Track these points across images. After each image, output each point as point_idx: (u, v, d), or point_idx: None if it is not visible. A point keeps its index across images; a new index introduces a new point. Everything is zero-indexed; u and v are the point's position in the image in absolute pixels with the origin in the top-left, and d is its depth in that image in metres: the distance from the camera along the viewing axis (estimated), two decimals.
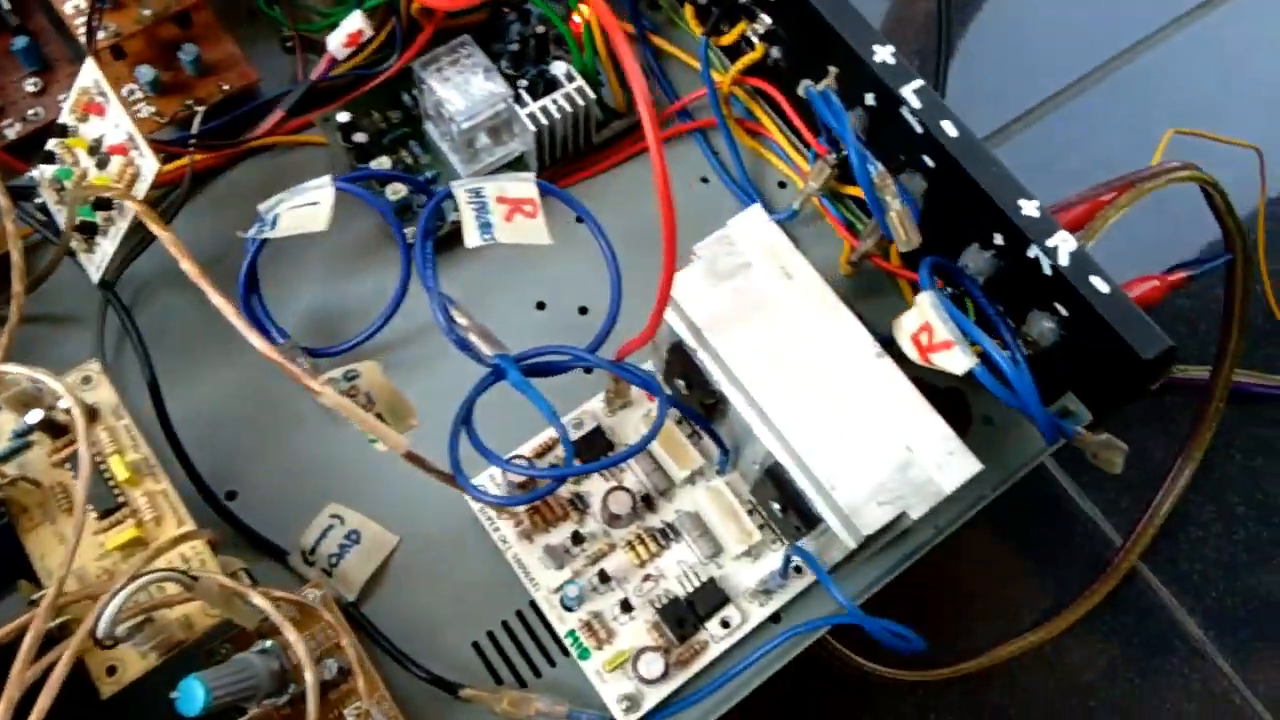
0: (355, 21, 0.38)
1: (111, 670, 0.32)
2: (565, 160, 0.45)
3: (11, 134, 0.42)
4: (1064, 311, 0.36)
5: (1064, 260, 0.35)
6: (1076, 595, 0.51)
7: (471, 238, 0.35)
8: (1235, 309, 0.44)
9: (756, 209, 0.36)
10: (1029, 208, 0.35)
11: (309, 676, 0.30)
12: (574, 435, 0.40)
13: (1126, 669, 0.51)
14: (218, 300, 0.29)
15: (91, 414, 0.34)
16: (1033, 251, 0.36)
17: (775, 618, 0.38)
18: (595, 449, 0.40)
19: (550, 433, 0.40)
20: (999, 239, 0.37)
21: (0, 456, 0.33)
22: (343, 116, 0.43)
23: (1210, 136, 0.48)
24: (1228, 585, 0.53)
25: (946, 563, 0.52)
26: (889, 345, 0.35)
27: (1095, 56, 0.64)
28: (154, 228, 0.31)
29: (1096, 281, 0.34)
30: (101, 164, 0.37)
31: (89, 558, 0.33)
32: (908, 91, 0.36)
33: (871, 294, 0.44)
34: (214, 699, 0.29)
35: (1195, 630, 0.52)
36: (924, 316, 0.34)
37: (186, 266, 0.29)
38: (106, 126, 0.37)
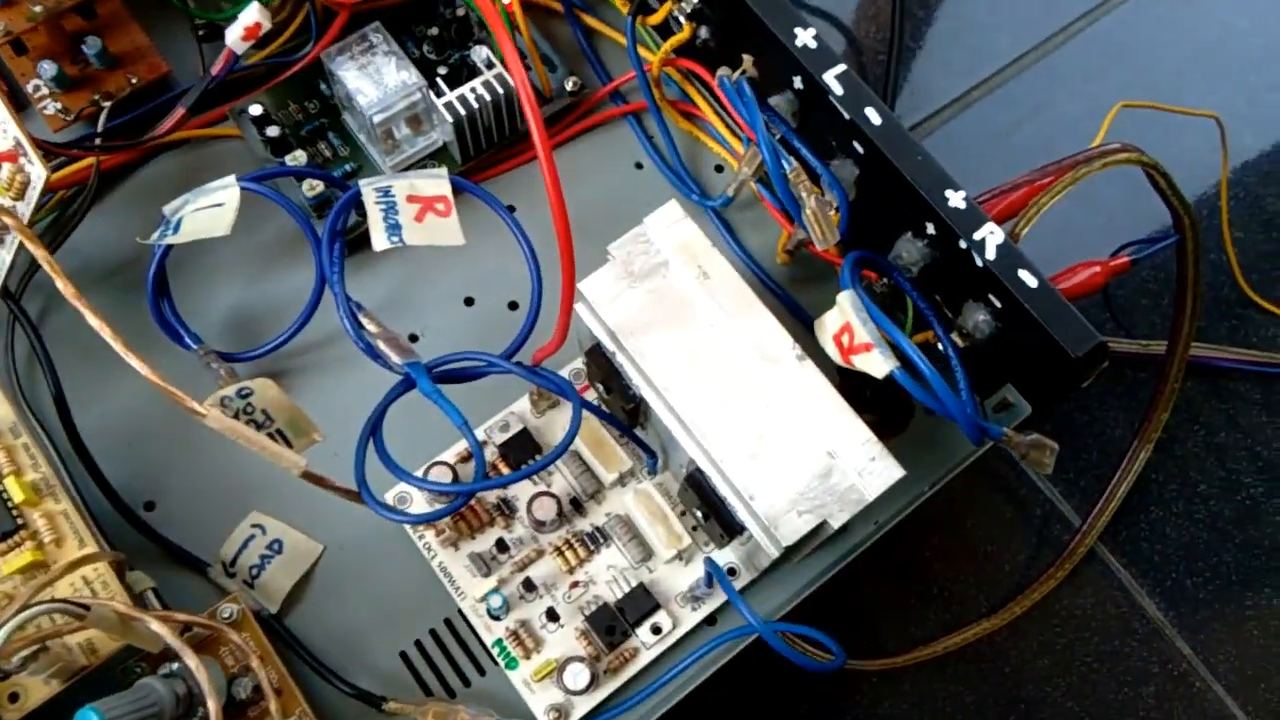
0: (252, 14, 0.36)
1: (14, 698, 0.31)
2: (491, 148, 0.43)
3: None
4: (997, 304, 0.35)
5: (991, 254, 0.33)
6: (1034, 579, 0.50)
7: (379, 240, 0.33)
8: (1188, 289, 0.42)
9: (672, 205, 0.34)
10: (955, 199, 0.34)
11: (211, 705, 0.30)
12: (500, 438, 0.39)
13: (1084, 652, 0.50)
14: (95, 322, 0.28)
15: None
16: (963, 243, 0.34)
17: (710, 620, 0.38)
18: (523, 451, 0.39)
19: (480, 433, 0.39)
20: (930, 228, 0.36)
21: None
22: (254, 109, 0.41)
23: (1162, 108, 0.46)
24: (1188, 565, 0.52)
25: (898, 547, 0.51)
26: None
27: (1056, 20, 0.61)
28: (31, 247, 0.29)
29: (1025, 275, 0.33)
30: None
31: None
32: (830, 77, 0.35)
33: (810, 281, 0.43)
34: None
35: (1155, 612, 0.51)
36: (845, 317, 0.32)
37: (62, 286, 0.28)
38: None
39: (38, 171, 0.34)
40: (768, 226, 0.43)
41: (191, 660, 0.30)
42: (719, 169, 0.45)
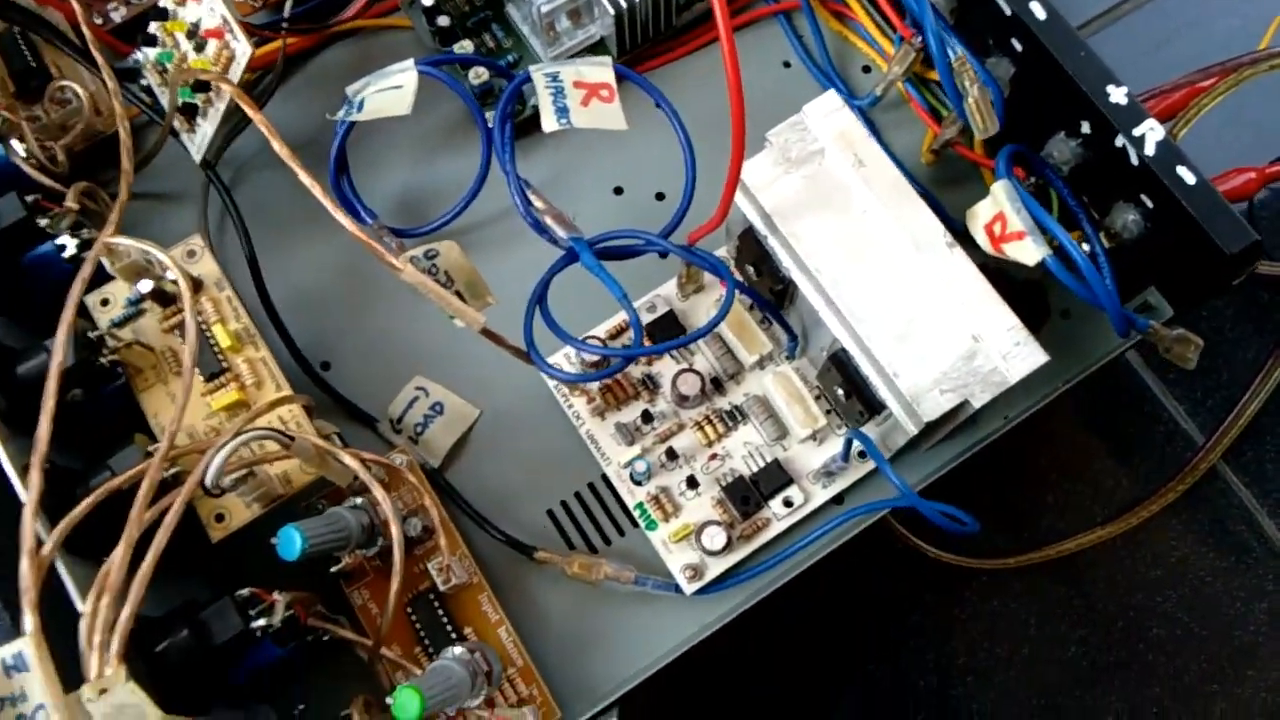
0: None
1: (220, 518, 0.35)
2: (646, 44, 0.45)
3: (116, 18, 0.44)
4: (1149, 203, 0.35)
5: (1150, 150, 0.34)
6: (1153, 491, 0.51)
7: (549, 122, 0.35)
8: None
9: (831, 94, 0.36)
10: (1117, 94, 0.34)
11: (395, 531, 0.33)
12: (646, 319, 0.41)
13: (1198, 566, 0.51)
14: (306, 180, 0.31)
15: (196, 285, 0.36)
16: (1120, 140, 0.35)
17: (838, 499, 0.40)
18: (667, 332, 0.41)
19: (623, 315, 0.41)
20: (1086, 127, 0.36)
21: (116, 321, 0.36)
22: (426, 0, 0.44)
23: None
24: None
25: (1022, 452, 0.53)
26: (964, 237, 0.35)
27: None
28: (248, 110, 0.32)
29: (1183, 172, 0.33)
30: (199, 47, 0.38)
31: (197, 417, 0.36)
32: None
33: (953, 183, 0.43)
34: (310, 545, 0.32)
35: (1274, 532, 0.51)
36: (998, 206, 0.33)
37: (278, 147, 0.31)
38: (203, 10, 0.38)
39: (243, 48, 0.37)
40: (913, 128, 0.44)
41: (379, 491, 0.33)
42: (866, 70, 0.46)
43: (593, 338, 0.41)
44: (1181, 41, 0.58)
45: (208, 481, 0.31)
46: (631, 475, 0.39)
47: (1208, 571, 0.51)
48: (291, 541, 0.31)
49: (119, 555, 0.28)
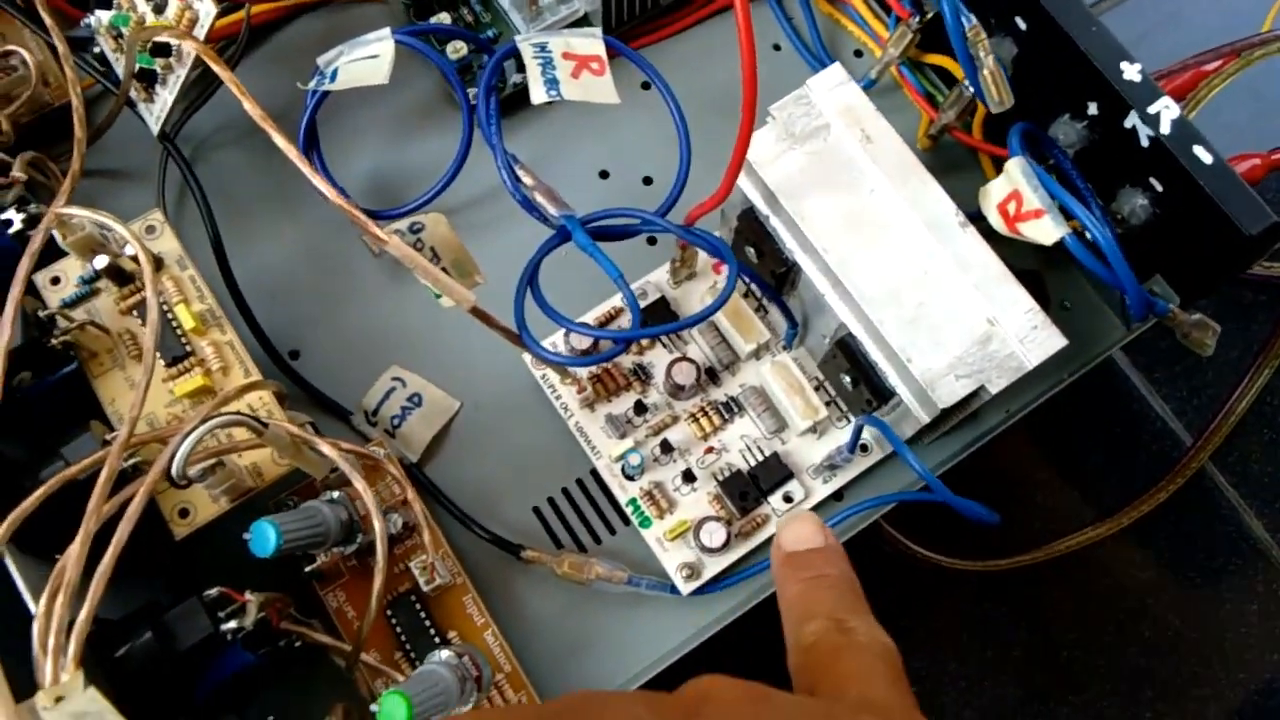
0: None
1: (184, 513, 0.32)
2: (632, 21, 0.43)
3: None
4: (1159, 186, 0.34)
5: (1166, 128, 0.33)
6: (1141, 494, 0.50)
7: (538, 93, 0.33)
8: None
9: (836, 68, 0.34)
10: (1131, 71, 0.33)
11: (377, 525, 0.30)
12: (639, 305, 0.39)
13: (1188, 568, 0.50)
14: (282, 142, 0.28)
15: (157, 263, 0.34)
16: (1130, 121, 0.34)
17: (838, 495, 0.38)
18: (660, 320, 0.39)
19: (615, 301, 0.39)
20: (1093, 108, 0.35)
21: (68, 301, 0.33)
22: None
23: None
24: None
25: (1010, 454, 0.52)
26: (974, 220, 0.34)
27: None
28: (215, 67, 0.30)
29: (1200, 152, 0.32)
30: (159, 9, 0.36)
31: (159, 404, 0.33)
32: None
33: (950, 169, 0.42)
34: (285, 541, 0.29)
35: (1262, 532, 0.50)
36: (1013, 184, 0.32)
37: (249, 107, 0.29)
38: None
39: (206, 7, 0.34)
40: (907, 114, 0.43)
41: (360, 482, 0.31)
42: (858, 54, 0.45)
43: (584, 324, 0.38)
44: (1160, 36, 0.57)
45: (174, 470, 0.28)
46: (623, 470, 0.37)
47: (1197, 572, 0.50)
48: (265, 536, 0.29)
49: (75, 551, 0.25)
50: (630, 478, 0.37)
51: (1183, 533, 0.50)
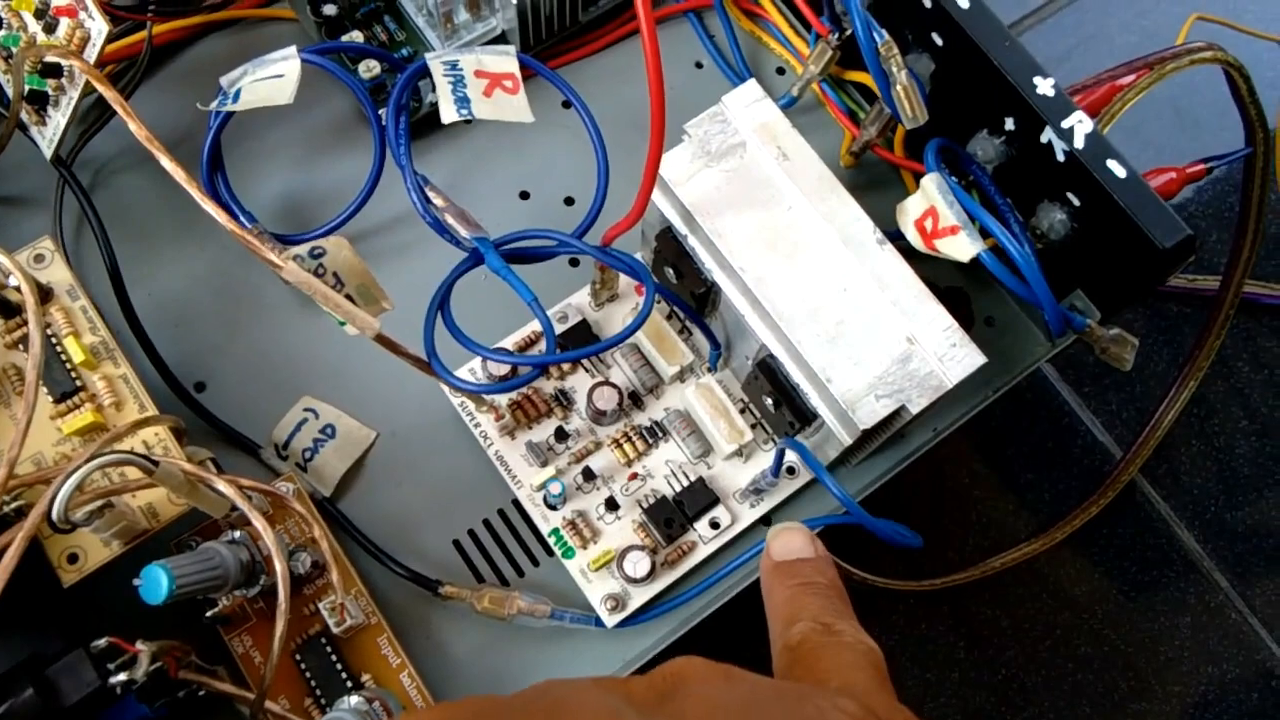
0: None
1: (73, 558, 0.30)
2: (551, 39, 0.42)
3: None
4: (1076, 201, 0.34)
5: (1080, 142, 0.32)
6: (1074, 508, 0.50)
7: (448, 112, 0.32)
8: (1252, 206, 0.42)
9: (752, 84, 0.34)
10: (1044, 86, 0.33)
11: (279, 567, 0.29)
12: (558, 329, 0.38)
13: (1121, 582, 0.50)
14: (171, 167, 0.27)
15: (45, 293, 0.32)
16: (1046, 136, 0.34)
17: (766, 520, 0.37)
18: (581, 343, 0.38)
19: (534, 326, 0.38)
20: (1010, 123, 0.35)
21: None
22: None
23: (1236, 26, 0.45)
24: (1228, 500, 0.51)
25: (940, 472, 0.51)
26: (895, 240, 0.33)
27: None
28: (100, 88, 0.28)
29: (1114, 166, 0.32)
30: (49, 28, 0.34)
31: (46, 442, 0.31)
32: None
33: (874, 187, 0.42)
34: (178, 587, 0.27)
35: (1193, 544, 0.51)
36: (929, 200, 0.32)
37: (135, 128, 0.27)
38: None
39: (98, 26, 0.33)
40: (829, 131, 0.42)
41: (259, 521, 0.29)
42: (780, 71, 0.44)
43: (501, 349, 0.37)
44: (1082, 55, 0.58)
45: (54, 514, 0.26)
46: (545, 499, 0.36)
47: (1130, 586, 0.50)
48: (157, 583, 0.27)
49: None
50: (553, 507, 0.36)
51: (1116, 546, 0.51)
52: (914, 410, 0.31)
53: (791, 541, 0.27)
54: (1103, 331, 0.32)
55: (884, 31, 0.32)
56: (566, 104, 0.43)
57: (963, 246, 0.31)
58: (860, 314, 0.32)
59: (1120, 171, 0.32)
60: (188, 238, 0.39)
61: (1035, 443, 0.52)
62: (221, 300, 0.39)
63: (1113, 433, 0.52)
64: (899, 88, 0.32)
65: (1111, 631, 0.49)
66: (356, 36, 0.41)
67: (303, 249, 0.30)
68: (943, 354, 0.31)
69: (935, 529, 0.50)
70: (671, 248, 0.34)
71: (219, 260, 0.39)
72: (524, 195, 0.42)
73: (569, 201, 0.42)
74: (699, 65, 0.44)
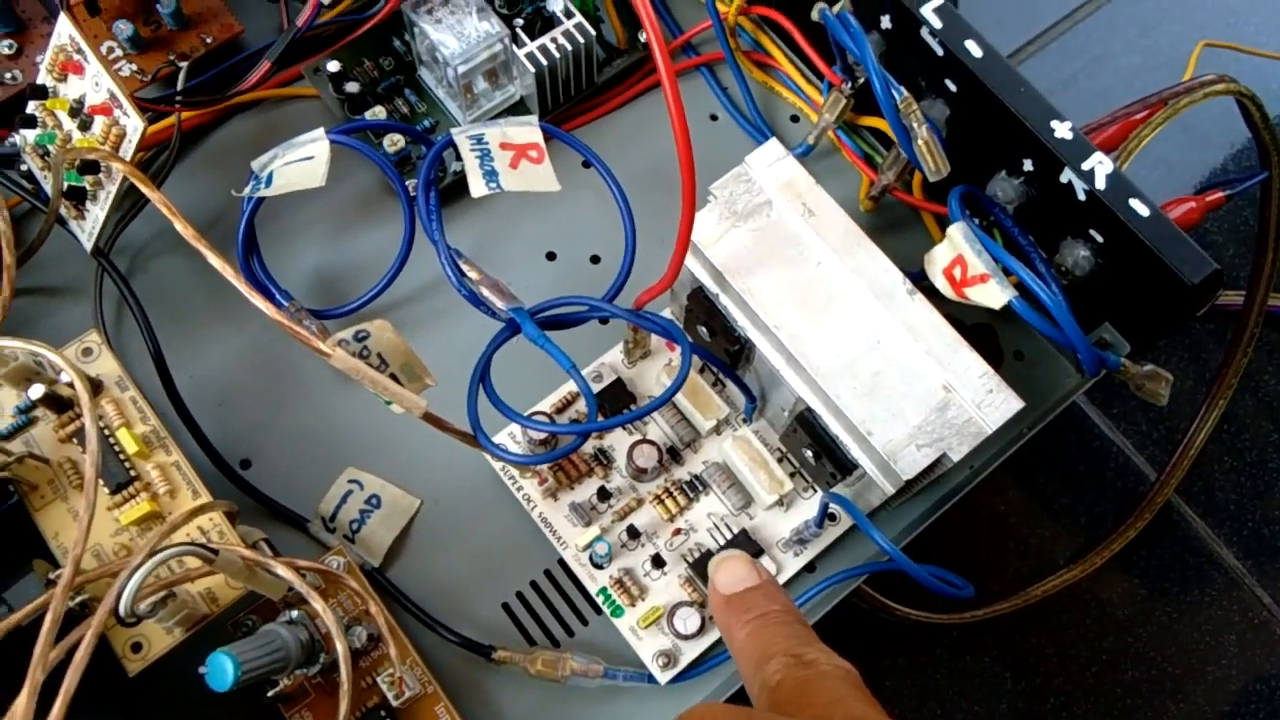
0: None
1: (137, 647, 0.31)
2: (567, 102, 0.43)
3: None
4: (1100, 238, 0.35)
5: (1101, 183, 0.33)
6: (1110, 531, 0.50)
7: (477, 187, 0.33)
8: (1271, 228, 0.42)
9: (773, 143, 0.34)
10: (1061, 129, 0.34)
11: (340, 645, 0.29)
12: (594, 389, 0.39)
13: (1164, 603, 0.50)
14: (216, 262, 0.28)
15: (95, 387, 0.33)
16: (1065, 176, 0.34)
17: (810, 567, 0.37)
18: (617, 402, 0.38)
19: (570, 387, 0.39)
20: (1028, 164, 0.36)
21: (4, 433, 0.32)
22: (332, 66, 0.41)
23: (1242, 49, 0.46)
24: (1264, 514, 0.51)
25: (977, 503, 0.51)
26: (919, 281, 0.34)
27: None
28: (144, 189, 0.29)
29: (1136, 205, 0.33)
30: (84, 126, 0.35)
31: (105, 534, 0.32)
32: (928, 11, 0.35)
33: (893, 229, 0.43)
34: (244, 673, 0.28)
35: (1233, 561, 0.51)
36: (956, 249, 0.32)
37: (181, 228, 0.28)
38: (87, 86, 0.35)
39: (134, 123, 0.34)
40: (847, 176, 0.43)
41: (318, 603, 0.30)
42: (794, 119, 0.45)
43: (539, 413, 0.38)
44: (1087, 78, 0.59)
45: (121, 610, 0.27)
46: (591, 558, 0.36)
47: (1174, 607, 0.50)
48: (223, 670, 0.28)
49: (21, 705, 0.24)
50: (599, 566, 0.36)
51: (1156, 568, 0.51)
52: (955, 458, 0.31)
53: (735, 571, 0.28)
54: (1137, 369, 0.33)
55: (902, 89, 0.32)
56: (587, 164, 0.44)
57: (993, 294, 0.31)
58: (896, 365, 0.32)
59: (1143, 210, 0.33)
60: (226, 317, 0.40)
61: (1067, 467, 0.52)
62: (262, 377, 0.39)
63: (1144, 453, 0.52)
64: (920, 143, 0.33)
65: (1157, 654, 0.49)
66: (379, 111, 0.41)
67: (347, 333, 0.31)
68: (980, 401, 0.32)
69: (973, 558, 0.50)
70: (703, 306, 0.35)
71: (258, 338, 0.40)
72: (550, 256, 0.42)
73: (595, 259, 0.42)
74: (714, 118, 0.45)
